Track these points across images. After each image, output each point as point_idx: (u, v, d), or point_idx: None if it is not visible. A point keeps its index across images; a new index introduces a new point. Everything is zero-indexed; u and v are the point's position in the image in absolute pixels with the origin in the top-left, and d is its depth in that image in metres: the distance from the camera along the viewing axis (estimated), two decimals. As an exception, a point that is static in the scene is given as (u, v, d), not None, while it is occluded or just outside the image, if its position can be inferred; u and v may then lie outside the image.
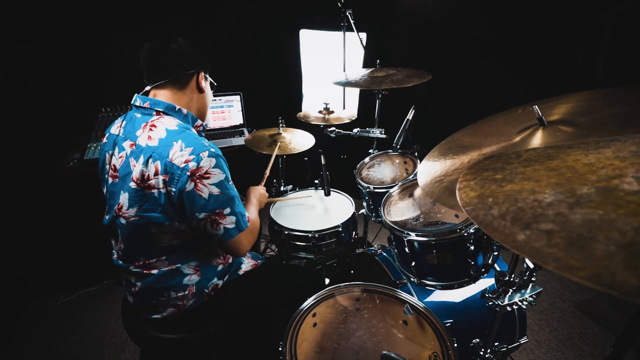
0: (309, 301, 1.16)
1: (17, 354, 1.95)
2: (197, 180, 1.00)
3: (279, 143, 1.87)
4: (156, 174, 1.01)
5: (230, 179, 1.09)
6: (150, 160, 1.01)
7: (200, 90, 1.20)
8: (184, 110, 1.15)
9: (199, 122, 1.21)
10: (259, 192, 1.50)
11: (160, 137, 1.04)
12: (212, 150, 1.04)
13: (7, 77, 2.03)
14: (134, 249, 1.13)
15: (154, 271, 1.12)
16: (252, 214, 1.29)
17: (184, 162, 1.00)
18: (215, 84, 1.31)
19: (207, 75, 1.22)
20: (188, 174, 0.99)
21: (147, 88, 1.13)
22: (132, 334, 1.27)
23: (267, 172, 1.70)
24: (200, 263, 1.19)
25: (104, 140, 1.18)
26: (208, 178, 1.02)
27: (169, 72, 1.12)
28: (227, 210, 1.07)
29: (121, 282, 1.24)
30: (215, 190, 1.03)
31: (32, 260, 2.24)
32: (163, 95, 1.13)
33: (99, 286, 2.41)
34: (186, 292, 1.16)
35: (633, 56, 2.17)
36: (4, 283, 2.10)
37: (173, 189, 1.01)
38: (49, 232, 2.22)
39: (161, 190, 1.02)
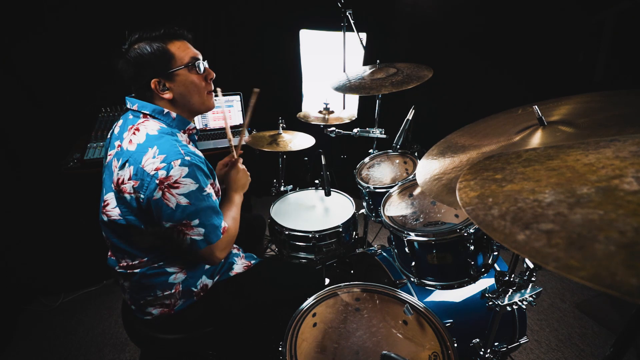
0: (309, 301, 1.16)
1: (17, 354, 1.95)
2: (166, 189, 0.97)
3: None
4: (129, 178, 1.00)
5: (205, 189, 1.05)
6: (127, 164, 1.01)
7: (160, 99, 1.10)
8: (173, 114, 1.11)
9: (191, 125, 1.17)
10: (232, 178, 1.34)
11: (139, 142, 1.02)
12: (187, 159, 1.00)
13: (7, 76, 2.03)
14: (118, 248, 1.13)
15: (137, 270, 1.12)
16: (229, 219, 1.20)
17: (154, 170, 0.97)
18: (198, 59, 1.12)
19: (171, 70, 1.07)
20: (157, 181, 0.97)
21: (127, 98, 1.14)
22: (131, 334, 1.27)
23: (230, 136, 1.43)
24: (186, 262, 1.17)
25: (108, 136, 1.20)
26: (177, 188, 0.98)
27: (130, 88, 1.12)
28: (195, 222, 1.03)
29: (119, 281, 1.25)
30: (184, 201, 1.00)
31: (32, 260, 2.23)
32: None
33: (99, 286, 2.41)
34: (173, 291, 1.15)
35: (633, 56, 2.17)
36: (4, 283, 2.10)
37: (142, 196, 1.00)
38: (49, 232, 2.22)
39: (132, 195, 1.01)
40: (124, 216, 1.05)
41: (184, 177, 0.99)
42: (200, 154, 1.10)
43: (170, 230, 1.02)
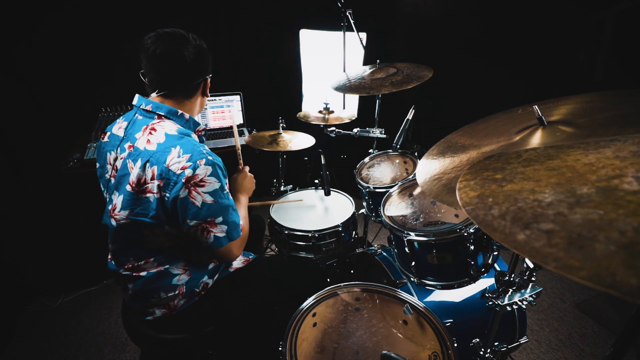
0: (309, 301, 1.16)
1: (17, 354, 1.95)
2: (192, 188, 1.00)
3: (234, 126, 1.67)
4: (152, 178, 1.01)
5: (225, 187, 1.08)
6: (148, 164, 1.01)
7: (205, 94, 1.20)
8: (186, 115, 1.13)
9: (201, 126, 1.20)
10: (238, 182, 1.41)
11: (158, 142, 1.03)
12: (210, 158, 1.03)
13: (8, 76, 2.03)
14: (123, 251, 1.13)
15: (143, 273, 1.12)
16: (242, 219, 1.22)
17: (181, 169, 0.99)
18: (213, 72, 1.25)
19: (211, 75, 1.20)
20: (183, 180, 0.98)
21: (153, 95, 1.10)
22: (131, 334, 1.27)
23: (238, 146, 1.54)
24: (190, 263, 1.18)
25: (105, 139, 1.17)
26: (203, 186, 1.01)
27: (177, 84, 1.10)
28: (219, 219, 1.06)
29: (120, 282, 1.24)
30: (209, 199, 1.02)
31: (32, 260, 2.23)
32: (168, 102, 1.11)
33: (99, 286, 2.41)
34: (176, 292, 1.16)
35: (633, 56, 2.17)
36: (4, 283, 2.10)
37: (167, 195, 1.01)
38: (49, 231, 2.22)
39: (155, 195, 1.01)
40: (138, 218, 1.04)
41: (208, 176, 1.01)
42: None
43: (194, 229, 1.04)
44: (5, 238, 2.10)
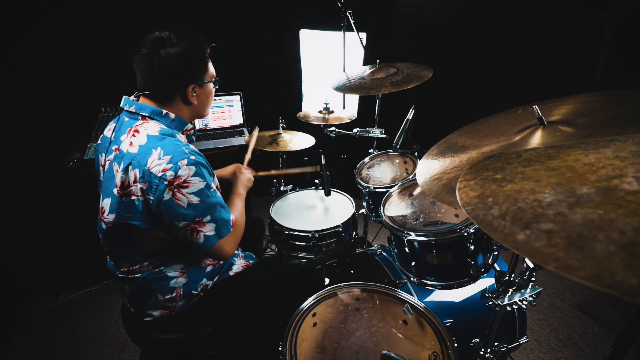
0: (309, 301, 1.16)
1: (17, 354, 1.95)
2: (176, 190, 0.98)
3: (256, 132, 1.80)
4: (135, 181, 1.00)
5: (212, 186, 1.07)
6: (130, 167, 1.00)
7: (188, 103, 1.13)
8: (171, 115, 1.10)
9: (189, 125, 1.17)
10: (237, 176, 1.42)
11: (140, 144, 1.02)
12: (192, 158, 1.01)
13: (7, 76, 2.03)
14: (117, 254, 1.13)
15: (138, 275, 1.12)
16: (236, 211, 1.25)
17: (162, 171, 0.97)
18: (219, 79, 1.21)
19: (204, 81, 1.14)
20: (166, 183, 0.97)
21: (131, 97, 1.10)
22: (131, 334, 1.27)
23: (249, 156, 1.63)
24: (187, 265, 1.17)
25: (99, 141, 1.17)
26: (187, 187, 0.99)
27: (153, 85, 1.08)
28: (207, 218, 1.04)
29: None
30: (195, 199, 1.01)
31: (32, 260, 2.23)
32: (151, 103, 1.10)
33: (99, 286, 2.41)
34: (174, 295, 1.15)
35: (633, 56, 2.17)
36: (4, 283, 2.10)
37: (151, 198, 0.99)
38: (49, 231, 2.22)
39: (140, 197, 1.00)
40: (127, 221, 1.04)
41: (192, 176, 1.00)
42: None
43: (183, 230, 1.03)
44: (5, 238, 2.10)
